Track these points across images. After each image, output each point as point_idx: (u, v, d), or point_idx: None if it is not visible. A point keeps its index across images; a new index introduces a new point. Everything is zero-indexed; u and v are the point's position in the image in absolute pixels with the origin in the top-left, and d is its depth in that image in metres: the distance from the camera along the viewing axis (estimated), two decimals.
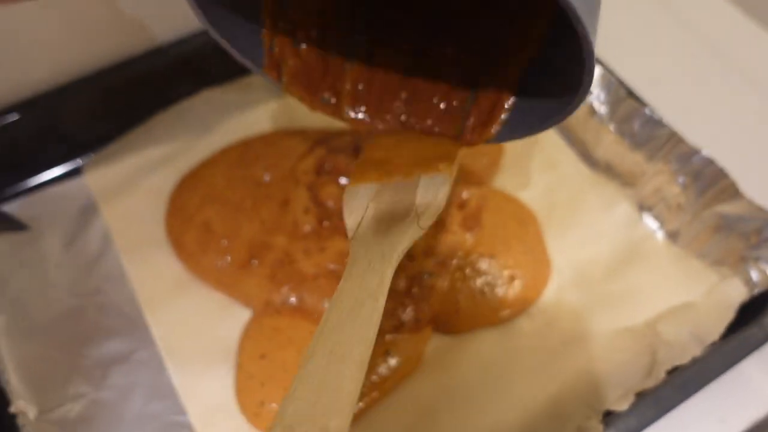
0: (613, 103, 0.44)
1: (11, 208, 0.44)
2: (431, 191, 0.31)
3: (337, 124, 0.35)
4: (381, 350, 0.38)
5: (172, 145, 0.47)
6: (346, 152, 0.44)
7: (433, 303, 0.40)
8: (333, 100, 0.34)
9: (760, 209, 0.39)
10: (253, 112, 0.48)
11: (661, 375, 0.35)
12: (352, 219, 0.31)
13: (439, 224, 0.42)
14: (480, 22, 0.34)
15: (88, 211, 0.44)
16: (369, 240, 0.29)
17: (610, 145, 0.45)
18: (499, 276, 0.41)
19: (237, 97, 0.48)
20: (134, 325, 0.40)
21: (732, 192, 0.40)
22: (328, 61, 0.34)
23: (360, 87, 0.35)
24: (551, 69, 0.29)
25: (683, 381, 0.36)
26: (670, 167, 0.42)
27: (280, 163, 0.45)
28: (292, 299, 0.40)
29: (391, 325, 0.39)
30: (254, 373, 0.38)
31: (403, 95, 0.35)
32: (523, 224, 0.43)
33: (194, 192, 0.44)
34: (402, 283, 0.40)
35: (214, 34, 0.30)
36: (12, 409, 0.35)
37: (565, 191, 0.45)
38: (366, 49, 0.35)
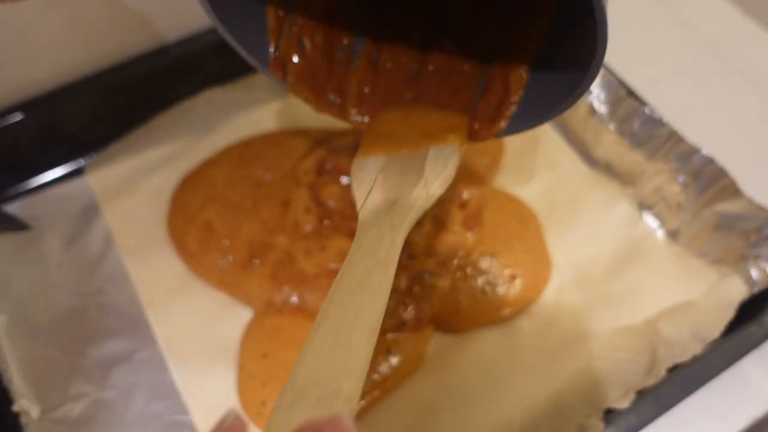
0: (613, 102, 0.44)
1: (13, 208, 0.44)
2: (440, 162, 0.31)
3: (338, 123, 0.35)
4: (382, 349, 0.38)
5: (173, 145, 0.47)
6: (347, 152, 0.44)
7: (434, 302, 0.40)
8: (338, 101, 0.34)
9: (759, 208, 0.39)
10: (255, 112, 0.49)
11: (661, 373, 0.35)
12: (360, 190, 0.31)
13: (440, 224, 0.42)
14: (481, 21, 0.35)
15: (90, 211, 0.44)
16: (378, 211, 0.29)
17: (610, 144, 0.45)
18: (500, 275, 0.41)
19: (239, 96, 0.49)
20: (136, 325, 0.40)
21: (732, 191, 0.40)
22: (333, 62, 0.34)
23: (365, 89, 0.35)
24: (560, 51, 0.30)
25: (684, 379, 0.36)
26: (670, 166, 0.42)
27: (281, 163, 0.45)
28: (294, 299, 0.40)
29: (392, 324, 0.39)
30: (256, 373, 0.38)
31: (408, 96, 0.35)
32: (524, 223, 0.43)
33: (196, 192, 0.44)
34: (403, 283, 0.40)
35: (223, 32, 0.30)
36: (15, 407, 0.35)
37: (565, 191, 0.45)
38: (370, 51, 0.35)
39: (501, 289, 0.41)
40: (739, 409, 0.37)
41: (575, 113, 0.46)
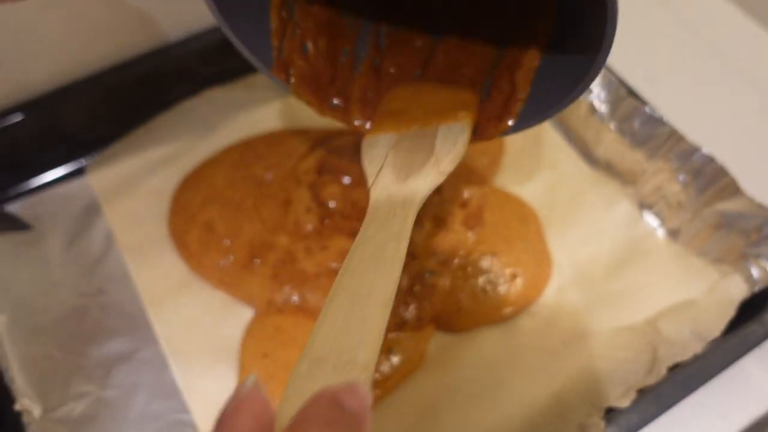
0: (614, 101, 0.44)
1: (14, 208, 0.44)
2: (450, 139, 0.31)
3: (339, 123, 0.35)
4: (383, 348, 0.38)
5: (174, 145, 0.47)
6: (347, 152, 0.44)
7: (435, 301, 0.40)
8: (341, 105, 0.34)
9: (760, 206, 0.39)
10: (256, 112, 0.49)
11: (662, 372, 0.36)
12: (372, 167, 0.31)
13: (441, 223, 0.42)
14: (485, 22, 0.35)
15: (91, 211, 0.44)
16: (390, 187, 0.29)
17: (610, 143, 0.45)
18: (500, 274, 0.41)
19: (239, 96, 0.49)
20: (137, 325, 0.40)
21: (732, 189, 0.40)
22: (336, 66, 0.34)
23: (369, 94, 0.35)
24: (566, 42, 0.30)
25: (684, 378, 0.36)
26: (670, 165, 0.42)
27: (282, 162, 0.45)
28: (294, 298, 0.40)
29: (393, 324, 0.39)
30: (257, 373, 0.38)
31: None
32: (525, 223, 0.44)
33: (196, 192, 0.44)
34: (404, 282, 0.40)
35: (227, 32, 0.30)
36: (17, 407, 0.35)
37: (565, 190, 0.45)
38: (373, 57, 0.35)
39: (502, 289, 0.41)
40: (740, 408, 0.37)
41: (576, 112, 0.46)
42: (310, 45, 0.33)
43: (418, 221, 0.31)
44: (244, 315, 0.41)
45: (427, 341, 0.40)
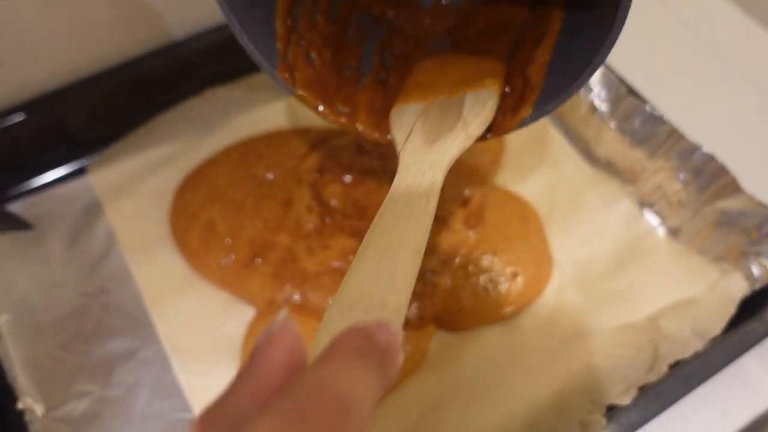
0: (614, 100, 0.44)
1: (16, 207, 0.45)
2: (478, 104, 0.31)
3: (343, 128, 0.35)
4: None
5: (175, 144, 0.47)
6: (348, 151, 0.44)
7: (437, 300, 0.40)
8: (347, 111, 0.34)
9: (760, 205, 0.39)
10: (257, 112, 0.49)
11: (663, 369, 0.36)
12: (400, 134, 0.31)
13: (442, 222, 0.42)
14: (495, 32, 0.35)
15: (93, 210, 0.45)
16: (418, 150, 0.30)
17: (610, 142, 0.45)
18: (501, 273, 0.41)
19: (240, 96, 0.49)
20: (139, 324, 0.40)
21: (733, 188, 0.40)
22: (341, 77, 0.35)
23: (376, 104, 0.35)
24: (577, 27, 0.30)
25: (685, 375, 0.36)
26: (670, 164, 0.42)
27: (283, 162, 0.45)
28: (296, 297, 0.40)
29: None
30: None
31: None
32: (526, 222, 0.44)
33: (198, 191, 0.45)
34: None
35: (237, 32, 0.29)
36: (19, 405, 0.35)
37: (566, 189, 0.46)
38: (378, 72, 0.36)
39: (503, 287, 0.41)
40: (740, 406, 0.37)
41: (576, 111, 0.46)
42: (314, 55, 0.34)
43: None
44: (245, 314, 0.41)
45: (428, 340, 0.40)
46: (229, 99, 0.49)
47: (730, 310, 0.38)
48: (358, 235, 0.41)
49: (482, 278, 0.41)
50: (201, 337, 0.40)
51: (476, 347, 0.40)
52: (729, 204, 0.40)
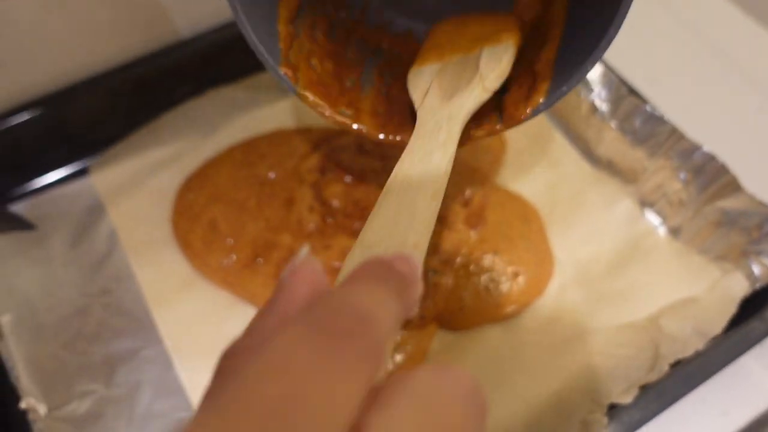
0: (614, 100, 0.45)
1: (18, 208, 0.45)
2: (495, 58, 0.32)
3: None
4: None
5: (177, 144, 0.47)
6: (350, 150, 0.44)
7: (438, 300, 0.40)
8: (350, 113, 0.34)
9: (761, 204, 0.39)
10: (259, 112, 0.49)
11: (664, 369, 0.36)
12: (417, 93, 0.32)
13: (443, 222, 0.42)
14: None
15: (95, 211, 0.45)
16: (435, 106, 0.30)
17: (611, 142, 0.45)
18: (503, 273, 0.41)
19: (242, 96, 0.49)
20: (141, 324, 0.41)
21: (733, 187, 0.40)
22: (343, 85, 0.35)
23: (379, 109, 0.35)
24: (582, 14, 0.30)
25: (686, 375, 0.36)
26: (671, 163, 0.42)
27: (285, 162, 0.45)
28: None
29: None
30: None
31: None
32: (527, 221, 0.44)
33: (200, 191, 0.45)
34: None
35: (241, 23, 0.29)
36: (22, 405, 0.35)
37: (567, 188, 0.46)
38: (380, 86, 0.36)
39: (504, 287, 0.41)
40: (741, 405, 0.37)
41: (577, 111, 0.46)
42: (316, 63, 0.34)
43: None
44: (247, 314, 0.41)
45: (429, 339, 0.40)
46: (231, 99, 0.49)
47: (730, 310, 0.38)
48: None
49: (483, 278, 0.41)
50: (203, 336, 0.40)
51: (477, 346, 0.40)
52: (729, 203, 0.40)
